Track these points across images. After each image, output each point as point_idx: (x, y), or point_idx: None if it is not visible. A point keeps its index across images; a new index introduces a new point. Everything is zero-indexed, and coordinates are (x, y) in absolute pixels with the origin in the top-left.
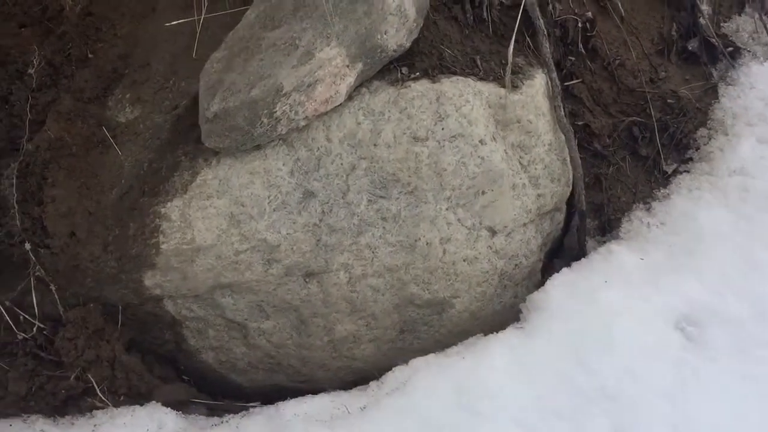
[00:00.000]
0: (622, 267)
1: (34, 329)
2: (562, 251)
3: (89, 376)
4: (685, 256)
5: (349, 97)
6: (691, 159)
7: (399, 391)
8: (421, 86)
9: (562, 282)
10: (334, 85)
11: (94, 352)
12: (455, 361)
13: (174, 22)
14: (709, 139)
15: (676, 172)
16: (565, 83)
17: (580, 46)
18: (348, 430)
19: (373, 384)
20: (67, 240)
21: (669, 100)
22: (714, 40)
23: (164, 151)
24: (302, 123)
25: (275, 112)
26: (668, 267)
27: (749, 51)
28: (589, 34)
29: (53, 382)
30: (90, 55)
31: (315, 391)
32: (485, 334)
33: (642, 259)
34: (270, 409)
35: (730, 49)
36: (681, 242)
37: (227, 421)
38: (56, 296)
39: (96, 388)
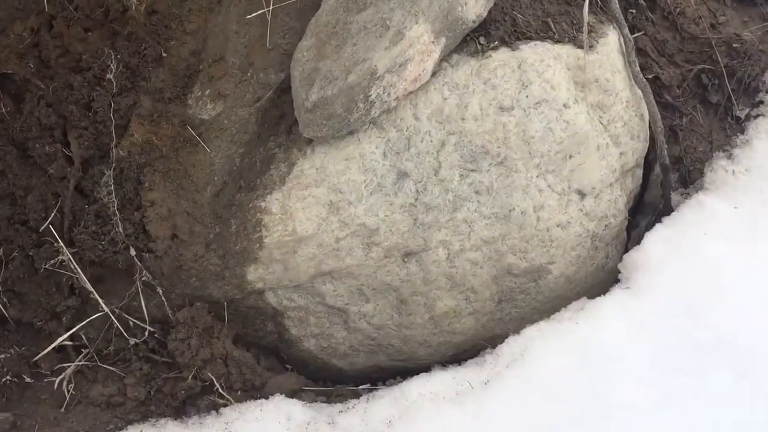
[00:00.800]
0: (717, 218)
1: (146, 333)
2: (642, 207)
3: (208, 373)
4: None
5: (432, 74)
6: (762, 102)
7: (518, 362)
8: (502, 55)
9: (659, 238)
10: (422, 63)
11: (209, 350)
12: (569, 326)
13: (252, 15)
14: None
15: (749, 117)
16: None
17: None
18: (477, 405)
19: (488, 357)
20: (169, 242)
21: (734, 44)
22: None
23: (254, 145)
24: (393, 104)
25: (370, 95)
26: (765, 213)
27: None
28: None
29: (170, 384)
30: (164, 54)
31: (416, 369)
32: (583, 297)
33: (735, 207)
34: (394, 391)
35: None
36: None
37: (353, 407)
38: (163, 299)
39: (217, 384)
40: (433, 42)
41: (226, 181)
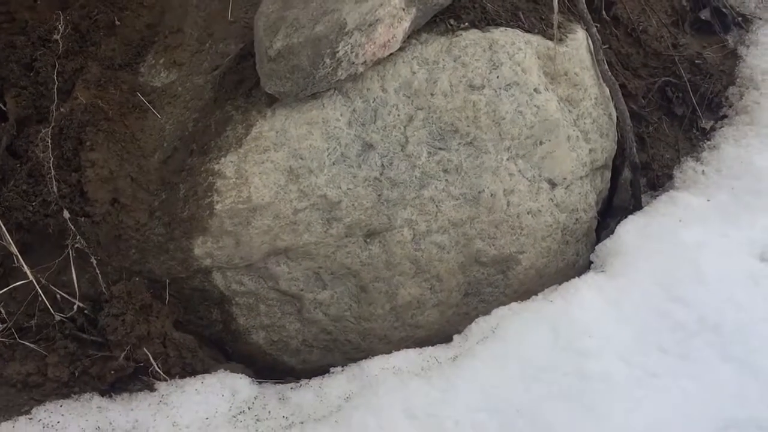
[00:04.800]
0: (692, 208)
1: (74, 308)
2: (612, 210)
3: (145, 350)
4: (751, 196)
5: (401, 48)
6: (726, 116)
7: (490, 338)
8: (473, 35)
9: (633, 227)
10: (392, 28)
11: (145, 328)
12: (543, 305)
13: None
14: (741, 96)
15: (713, 129)
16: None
17: (604, 13)
18: (446, 379)
19: (456, 338)
20: (109, 207)
21: (696, 61)
22: (725, 9)
23: (210, 110)
24: (360, 69)
25: (337, 51)
26: (738, 206)
27: (760, 18)
28: (610, 1)
29: (99, 365)
30: (117, 23)
31: None
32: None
33: (708, 200)
34: (352, 369)
35: (740, 18)
36: (743, 185)
37: (307, 384)
38: (97, 271)
39: (154, 363)
40: (403, 9)
41: (177, 147)
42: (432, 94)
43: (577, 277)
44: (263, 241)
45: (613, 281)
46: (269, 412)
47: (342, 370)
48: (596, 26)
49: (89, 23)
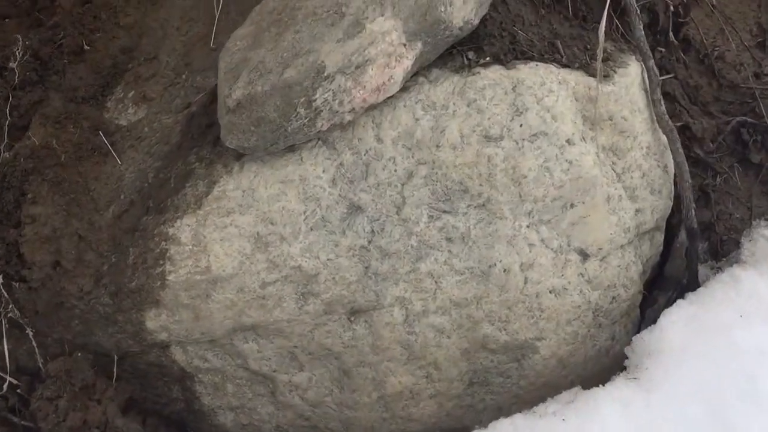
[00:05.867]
0: (757, 297)
1: (5, 386)
2: (662, 281)
3: None
4: None
5: (404, 88)
6: None
7: None
8: (494, 73)
9: (681, 317)
10: (388, 69)
11: (81, 416)
12: (552, 423)
13: None
14: None
15: None
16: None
17: (671, 35)
18: None
19: None
20: (49, 271)
21: None
22: None
23: (174, 158)
24: (348, 117)
25: (315, 100)
26: None
27: None
28: (681, 20)
29: None
30: (86, 47)
31: None
32: (577, 387)
33: None
34: None
35: None
36: None
37: None
38: (34, 343)
39: None
40: (404, 45)
41: (134, 200)
42: (438, 146)
43: (600, 386)
44: (226, 316)
45: (645, 395)
46: None
47: None
48: (661, 51)
49: (52, 48)
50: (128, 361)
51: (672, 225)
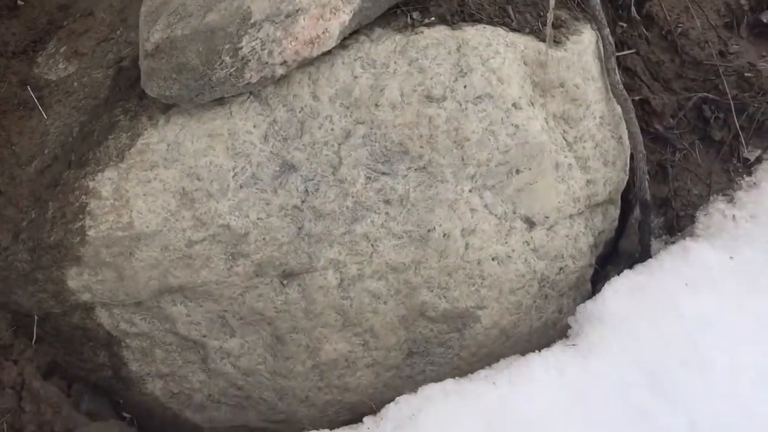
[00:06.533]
0: (706, 268)
1: None
2: (616, 257)
3: None
4: None
5: (343, 46)
6: None
7: (404, 429)
8: (438, 33)
9: (625, 286)
10: (323, 21)
11: None
12: (483, 388)
13: None
14: None
15: (759, 160)
16: (616, 54)
17: (633, 10)
18: None
19: (368, 420)
20: None
21: (746, 74)
22: None
23: (100, 112)
24: (279, 70)
25: (241, 48)
26: None
27: None
28: None
29: None
30: (21, 2)
31: None
32: (518, 354)
33: (731, 258)
34: None
35: None
36: None
37: None
38: None
39: None
40: None
41: (58, 155)
42: (377, 105)
43: (537, 352)
44: (151, 276)
45: (581, 360)
46: None
47: None
48: (623, 26)
49: None
50: (51, 323)
51: (628, 201)
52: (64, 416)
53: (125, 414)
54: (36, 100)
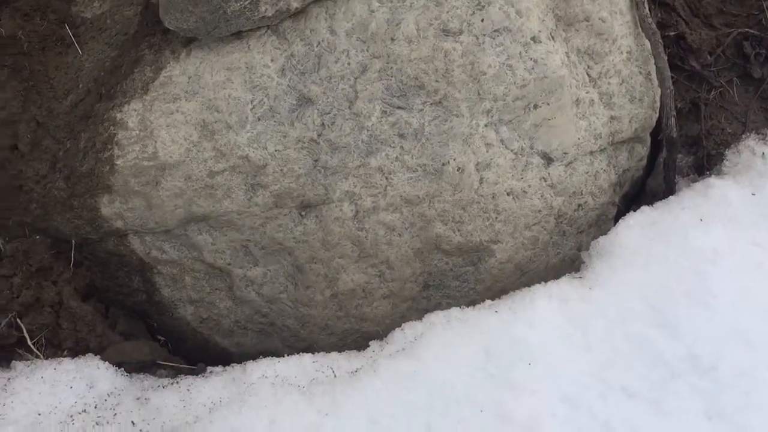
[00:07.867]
0: (725, 203)
1: None
2: (644, 197)
3: (21, 322)
4: None
5: None
6: None
7: (405, 351)
8: None
9: (638, 221)
10: None
11: (33, 294)
12: (485, 315)
13: None
14: None
15: None
16: None
17: None
18: (331, 399)
19: (374, 344)
20: (8, 154)
21: None
22: None
23: (129, 47)
24: (295, 4)
25: None
26: None
27: None
28: None
29: None
30: None
31: None
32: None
33: (753, 194)
34: (236, 370)
35: None
36: None
37: (178, 383)
38: None
39: (26, 336)
40: None
41: (91, 88)
42: (393, 40)
43: (542, 283)
44: (177, 204)
45: (586, 292)
46: (116, 414)
47: (223, 371)
48: None
49: None
50: (88, 249)
51: (659, 140)
52: (99, 334)
53: (159, 337)
54: (72, 37)
